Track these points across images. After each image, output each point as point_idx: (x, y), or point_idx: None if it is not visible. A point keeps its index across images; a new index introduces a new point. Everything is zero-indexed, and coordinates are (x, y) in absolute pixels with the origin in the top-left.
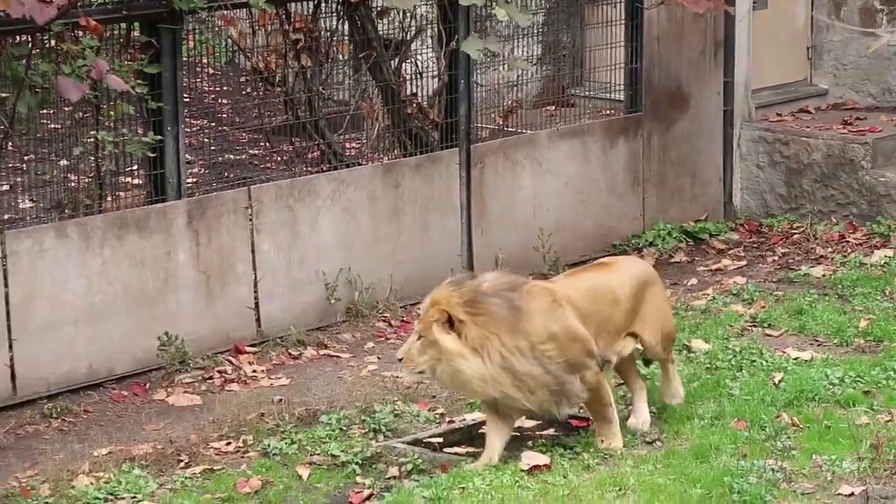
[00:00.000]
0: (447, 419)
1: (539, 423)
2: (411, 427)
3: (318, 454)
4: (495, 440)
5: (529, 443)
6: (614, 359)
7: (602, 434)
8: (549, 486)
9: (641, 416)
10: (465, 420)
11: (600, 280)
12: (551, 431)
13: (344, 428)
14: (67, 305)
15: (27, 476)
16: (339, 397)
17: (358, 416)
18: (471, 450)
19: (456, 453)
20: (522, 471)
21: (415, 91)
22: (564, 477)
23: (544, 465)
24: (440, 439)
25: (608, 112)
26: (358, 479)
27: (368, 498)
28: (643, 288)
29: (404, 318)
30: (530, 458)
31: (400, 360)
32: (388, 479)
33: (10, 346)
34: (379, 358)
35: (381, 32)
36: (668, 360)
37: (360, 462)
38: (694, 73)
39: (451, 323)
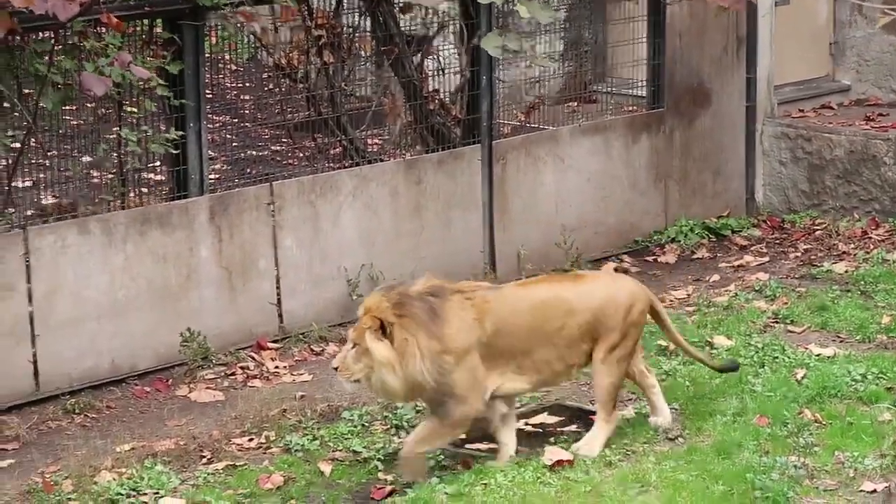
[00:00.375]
0: None
1: (562, 419)
2: None
3: (340, 450)
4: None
5: (552, 439)
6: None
7: (404, 446)
8: (571, 483)
9: (662, 413)
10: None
11: (552, 293)
12: (573, 427)
13: (366, 424)
14: (90, 301)
15: (50, 472)
16: (361, 393)
17: (380, 413)
18: (493, 446)
19: (478, 449)
20: (544, 467)
21: (437, 87)
22: (586, 473)
23: (567, 461)
24: (462, 435)
25: (630, 108)
26: (380, 475)
27: (390, 494)
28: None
29: None
30: (553, 453)
31: (335, 369)
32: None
33: (33, 342)
34: None
35: (403, 28)
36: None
37: (382, 458)
38: (716, 69)
39: (383, 329)
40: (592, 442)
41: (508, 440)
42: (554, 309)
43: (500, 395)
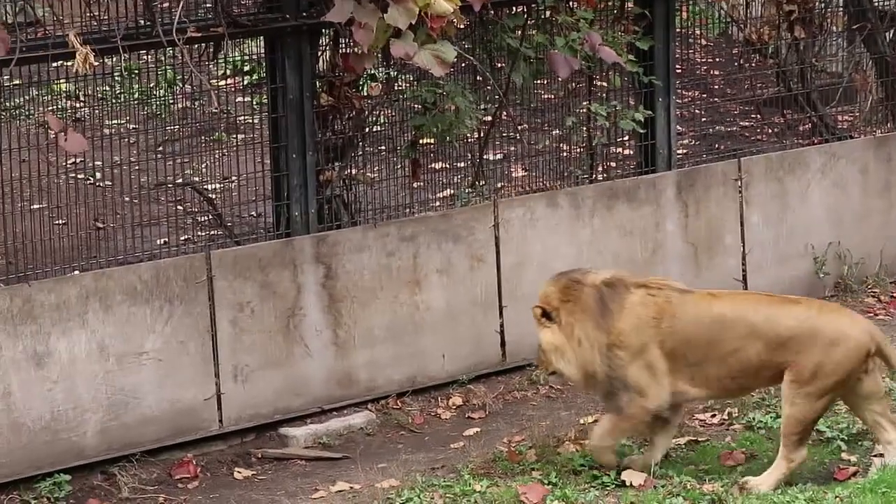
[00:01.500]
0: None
1: None
2: None
3: None
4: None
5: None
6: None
7: (590, 438)
8: None
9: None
10: None
11: (738, 312)
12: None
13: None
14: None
15: (515, 441)
16: None
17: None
18: None
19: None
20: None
21: None
22: None
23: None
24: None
25: None
26: (843, 455)
27: (854, 475)
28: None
29: (894, 294)
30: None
31: (535, 367)
32: (875, 456)
33: (501, 313)
34: None
35: (876, 3)
36: (786, 446)
37: (845, 438)
38: None
39: (548, 315)
40: (767, 478)
41: (661, 444)
42: (733, 329)
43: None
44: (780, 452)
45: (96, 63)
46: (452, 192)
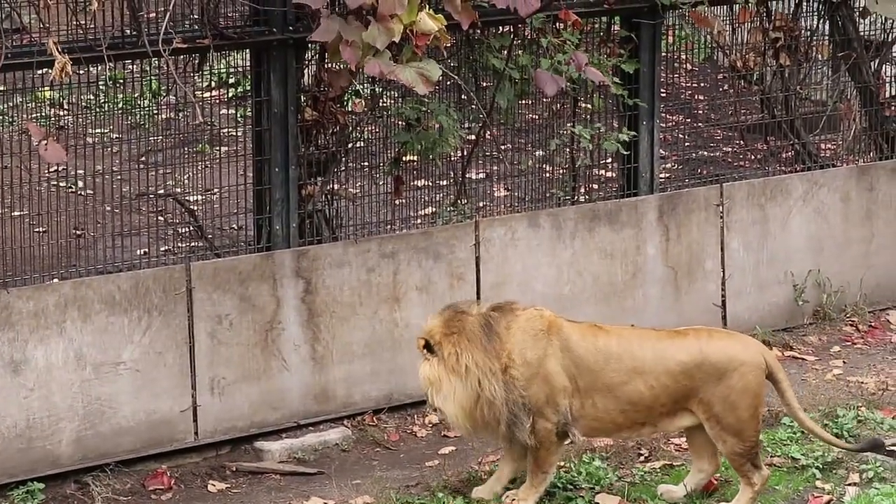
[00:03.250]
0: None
1: None
2: (874, 434)
3: (779, 456)
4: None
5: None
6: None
7: (520, 492)
8: None
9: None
10: None
11: (623, 346)
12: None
13: (804, 431)
14: (536, 294)
15: (489, 461)
16: (802, 400)
17: (820, 420)
18: None
19: None
20: None
21: (894, 94)
22: None
23: None
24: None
25: None
26: (818, 483)
27: (828, 503)
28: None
29: (872, 324)
30: None
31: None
32: (849, 485)
33: None
34: (844, 362)
35: (861, 33)
36: (742, 475)
37: (820, 466)
38: None
39: (429, 348)
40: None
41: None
42: (619, 362)
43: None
44: (741, 482)
45: (76, 73)
46: (434, 209)
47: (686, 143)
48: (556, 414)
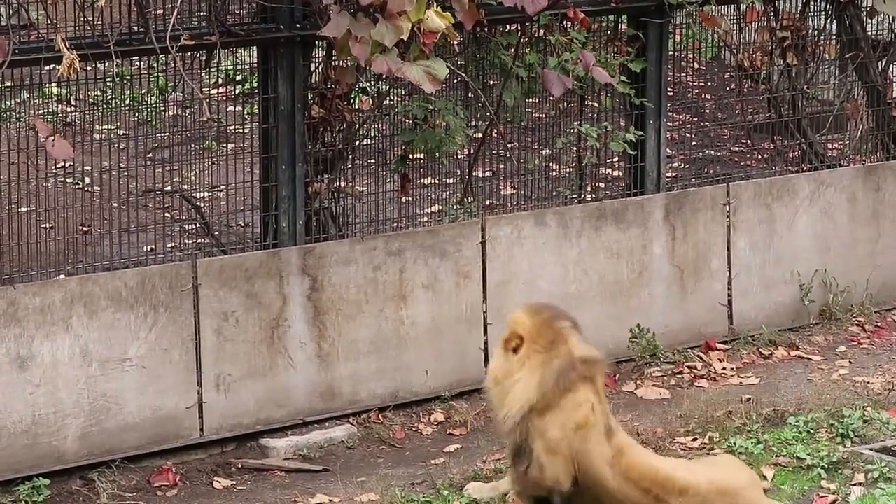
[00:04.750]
0: None
1: None
2: (880, 434)
3: (784, 455)
4: None
5: None
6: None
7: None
8: None
9: None
10: None
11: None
12: None
13: (811, 431)
14: (542, 293)
15: (493, 459)
16: (807, 400)
17: (826, 420)
18: None
19: None
20: None
21: None
22: None
23: None
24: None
25: None
26: (823, 483)
27: (833, 503)
28: None
29: (878, 324)
30: None
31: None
32: (854, 485)
33: (485, 330)
34: (851, 362)
35: (868, 33)
36: None
37: (825, 466)
38: None
39: (516, 350)
40: None
41: None
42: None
43: None
44: None
45: (83, 69)
46: (441, 207)
47: (693, 143)
48: (556, 483)
